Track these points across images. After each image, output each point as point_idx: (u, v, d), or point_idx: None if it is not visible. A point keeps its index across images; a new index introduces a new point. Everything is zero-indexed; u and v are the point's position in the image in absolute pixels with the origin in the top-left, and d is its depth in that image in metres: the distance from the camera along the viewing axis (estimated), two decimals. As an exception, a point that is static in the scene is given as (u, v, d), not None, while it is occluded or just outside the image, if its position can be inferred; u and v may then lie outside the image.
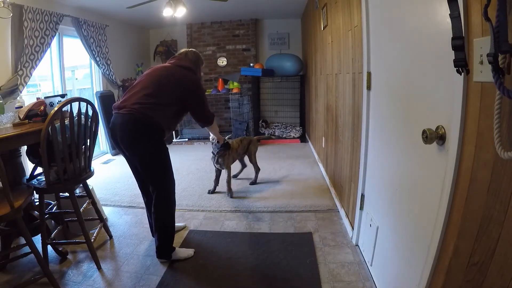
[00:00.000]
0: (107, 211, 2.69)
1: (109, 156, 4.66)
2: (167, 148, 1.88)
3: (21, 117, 1.93)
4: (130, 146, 1.80)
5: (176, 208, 2.65)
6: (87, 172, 1.96)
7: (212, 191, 3.01)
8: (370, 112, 1.75)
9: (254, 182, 3.22)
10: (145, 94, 1.78)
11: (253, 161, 3.22)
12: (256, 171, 3.25)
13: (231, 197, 2.87)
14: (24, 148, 2.16)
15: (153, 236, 2.15)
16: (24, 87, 3.06)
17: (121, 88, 4.92)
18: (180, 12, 3.30)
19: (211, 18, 5.48)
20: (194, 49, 2.12)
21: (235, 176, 3.34)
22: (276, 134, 5.42)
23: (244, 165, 3.40)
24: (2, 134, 1.62)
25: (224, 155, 2.87)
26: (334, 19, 2.63)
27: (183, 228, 2.36)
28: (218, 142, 2.73)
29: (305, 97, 5.32)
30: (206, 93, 5.46)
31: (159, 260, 1.94)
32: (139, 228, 2.39)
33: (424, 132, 0.96)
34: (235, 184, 3.16)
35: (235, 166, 3.34)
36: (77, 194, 2.23)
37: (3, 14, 2.60)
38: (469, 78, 0.82)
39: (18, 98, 2.78)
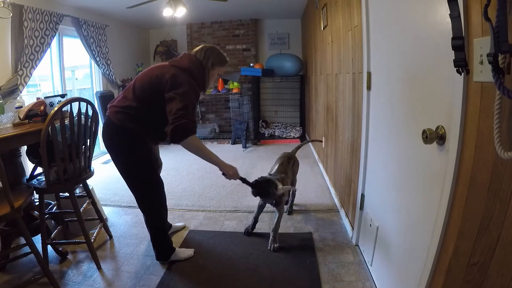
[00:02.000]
0: (107, 211, 2.69)
1: (109, 156, 4.65)
2: (145, 155, 1.74)
3: (21, 117, 1.93)
4: (107, 149, 1.77)
5: (176, 208, 2.69)
6: (87, 172, 1.96)
7: (250, 232, 2.21)
8: (370, 112, 1.75)
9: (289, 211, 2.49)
10: (124, 96, 1.70)
11: (294, 182, 2.44)
12: (292, 197, 2.49)
13: (274, 250, 1.97)
14: (24, 148, 2.16)
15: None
16: (24, 87, 3.06)
17: (121, 88, 4.92)
18: (180, 12, 3.30)
19: (211, 18, 5.49)
20: (212, 46, 1.82)
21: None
22: (276, 134, 5.42)
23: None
24: (2, 134, 1.62)
25: (281, 197, 2.00)
26: (334, 19, 2.63)
27: (183, 228, 2.36)
28: (223, 174, 1.81)
29: (305, 97, 5.32)
30: (206, 93, 5.43)
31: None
32: (139, 228, 2.39)
33: (424, 132, 0.96)
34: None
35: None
36: (77, 194, 2.24)
37: (3, 14, 2.60)
38: (469, 78, 0.82)
39: (18, 98, 2.78)
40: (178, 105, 1.56)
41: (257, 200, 2.18)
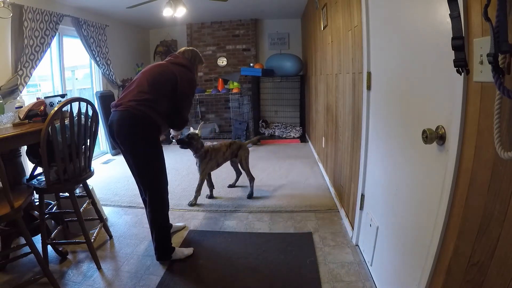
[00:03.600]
0: (107, 211, 2.69)
1: (109, 156, 4.66)
2: (161, 148, 1.87)
3: (21, 117, 1.92)
4: (124, 142, 1.80)
5: (176, 208, 2.69)
6: (87, 172, 1.96)
7: (210, 196, 2.89)
8: (370, 112, 1.75)
9: (250, 195, 2.87)
10: (139, 91, 1.79)
11: (245, 169, 2.90)
12: (250, 181, 2.91)
13: (190, 205, 2.72)
14: (24, 148, 2.16)
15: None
16: (24, 87, 3.06)
17: (121, 88, 4.92)
18: (180, 12, 3.30)
19: (211, 18, 5.48)
20: (192, 48, 2.11)
21: (232, 186, 3.12)
22: (276, 134, 5.42)
23: (239, 173, 3.10)
24: (2, 134, 1.62)
25: (204, 158, 2.65)
26: (334, 19, 2.63)
27: (183, 228, 2.36)
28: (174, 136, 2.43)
29: (305, 97, 5.32)
30: (206, 93, 5.46)
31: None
32: (139, 228, 2.39)
33: (424, 132, 0.96)
34: (233, 191, 3.15)
35: (231, 175, 3.21)
36: (77, 194, 2.23)
37: (3, 14, 2.60)
38: (469, 78, 0.82)
39: (18, 98, 2.77)
40: (185, 107, 1.94)
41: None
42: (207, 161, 2.67)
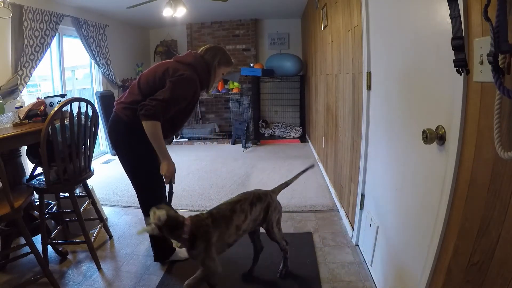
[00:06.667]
0: (107, 211, 2.69)
1: (109, 156, 4.66)
2: (150, 151, 1.68)
3: (21, 117, 1.93)
4: (113, 146, 1.78)
5: (175, 208, 2.67)
6: (87, 172, 1.96)
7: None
8: (370, 112, 1.75)
9: (285, 272, 1.74)
10: (130, 92, 1.72)
11: (277, 237, 1.63)
12: (284, 252, 1.70)
13: None
14: (24, 148, 2.16)
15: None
16: (24, 87, 3.06)
17: (121, 88, 4.92)
18: (180, 12, 3.30)
19: (211, 18, 5.49)
20: (218, 45, 1.85)
21: (248, 274, 1.76)
22: (276, 134, 5.42)
23: (258, 248, 1.76)
24: (2, 134, 1.62)
25: (200, 243, 1.38)
26: (334, 19, 2.63)
27: (183, 228, 2.35)
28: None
29: (305, 97, 5.32)
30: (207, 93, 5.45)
31: (159, 261, 1.93)
32: (139, 228, 2.39)
33: (424, 132, 0.96)
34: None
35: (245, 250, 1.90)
36: (77, 194, 2.23)
37: (3, 14, 2.60)
38: (469, 78, 0.82)
39: (18, 98, 2.78)
40: (163, 95, 1.56)
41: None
42: (208, 247, 1.40)
